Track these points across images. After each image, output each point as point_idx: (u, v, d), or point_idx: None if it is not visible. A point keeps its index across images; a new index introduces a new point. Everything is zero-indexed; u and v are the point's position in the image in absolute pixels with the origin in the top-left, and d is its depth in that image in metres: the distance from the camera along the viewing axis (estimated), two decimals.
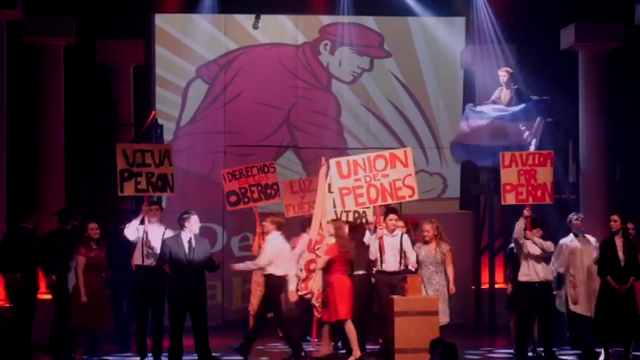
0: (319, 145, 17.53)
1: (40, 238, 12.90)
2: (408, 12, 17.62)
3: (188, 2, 17.63)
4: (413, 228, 13.67)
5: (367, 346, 13.14)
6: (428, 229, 12.68)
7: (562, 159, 15.84)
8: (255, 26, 17.78)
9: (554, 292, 13.09)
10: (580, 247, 13.07)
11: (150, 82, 17.70)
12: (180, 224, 12.30)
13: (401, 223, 12.89)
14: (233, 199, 14.33)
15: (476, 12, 17.33)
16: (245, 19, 17.87)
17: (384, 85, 18.20)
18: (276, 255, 12.72)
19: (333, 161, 12.64)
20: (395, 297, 12.12)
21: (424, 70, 18.22)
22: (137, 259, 12.63)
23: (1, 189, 14.71)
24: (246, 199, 14.30)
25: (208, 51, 17.92)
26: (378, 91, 18.21)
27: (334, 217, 12.84)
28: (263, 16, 17.70)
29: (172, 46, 17.77)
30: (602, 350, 12.45)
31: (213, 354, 12.42)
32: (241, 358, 12.79)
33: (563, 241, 13.19)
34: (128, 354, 13.36)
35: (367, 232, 12.99)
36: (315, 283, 12.59)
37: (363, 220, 12.94)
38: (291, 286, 12.75)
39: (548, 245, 12.64)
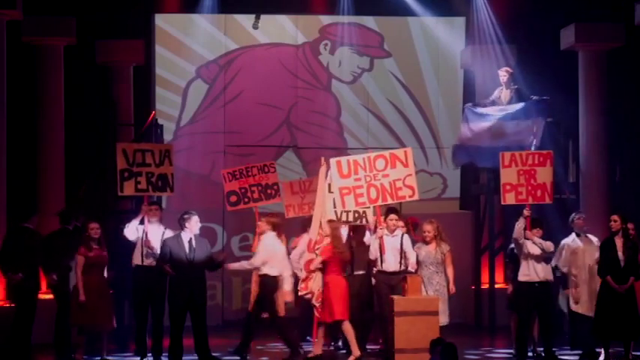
0: (319, 145, 17.52)
1: (41, 238, 12.90)
2: (408, 12, 17.62)
3: (188, 2, 17.63)
4: (413, 228, 13.68)
5: (367, 346, 13.13)
6: (429, 229, 12.68)
7: (562, 159, 15.83)
8: (255, 26, 17.78)
9: (564, 291, 13.05)
10: (582, 247, 13.06)
11: (150, 82, 17.70)
12: (180, 224, 12.31)
13: (401, 223, 12.89)
14: (233, 199, 14.32)
15: (476, 12, 17.33)
16: (245, 19, 17.88)
17: (384, 85, 18.20)
18: (271, 255, 12.74)
19: (333, 161, 12.64)
20: (395, 297, 12.11)
21: (424, 70, 18.23)
22: (136, 259, 12.64)
23: (1, 189, 14.71)
24: (246, 199, 14.30)
25: (208, 51, 17.93)
26: (378, 91, 18.21)
27: (333, 217, 12.83)
28: (263, 16, 17.70)
29: (172, 46, 17.77)
30: (602, 350, 12.46)
31: (213, 354, 12.42)
32: (239, 358, 12.83)
33: (565, 241, 13.18)
34: (128, 354, 13.36)
35: (367, 232, 12.99)
36: (315, 283, 12.58)
37: (363, 220, 12.93)
38: (286, 287, 12.77)
39: (548, 245, 12.63)
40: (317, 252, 12.66)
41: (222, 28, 17.94)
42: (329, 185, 12.89)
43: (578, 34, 16.34)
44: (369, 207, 12.81)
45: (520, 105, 15.54)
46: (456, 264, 12.93)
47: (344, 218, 12.85)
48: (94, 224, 12.52)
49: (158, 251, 12.45)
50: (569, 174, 16.36)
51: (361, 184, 12.47)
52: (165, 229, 12.80)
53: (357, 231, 12.99)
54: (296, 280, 13.21)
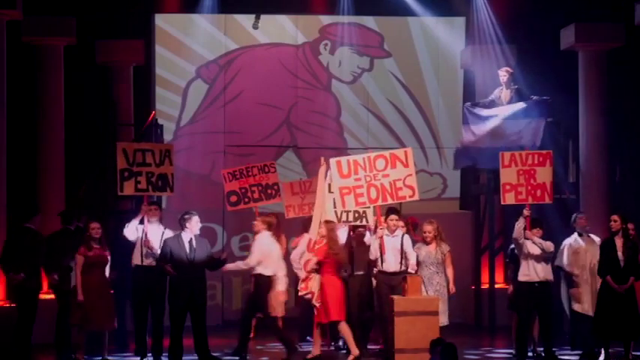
0: (319, 145, 17.53)
1: (43, 238, 12.91)
2: (408, 12, 17.62)
3: (188, 2, 17.64)
4: (413, 228, 13.68)
5: (367, 346, 13.13)
6: (429, 229, 12.68)
7: (562, 159, 15.83)
8: (255, 26, 17.78)
9: (571, 290, 13.04)
10: (584, 247, 13.04)
11: (150, 82, 17.71)
12: (181, 224, 12.31)
13: (401, 223, 12.89)
14: (233, 199, 14.33)
15: (476, 12, 17.33)
16: (245, 19, 17.88)
17: (384, 85, 18.21)
18: (266, 255, 12.76)
19: (333, 161, 12.63)
20: (395, 297, 12.11)
21: (424, 70, 18.23)
22: (136, 259, 12.64)
23: (1, 189, 14.71)
24: (246, 199, 14.30)
25: (208, 51, 17.93)
26: (378, 91, 18.22)
27: (333, 217, 12.82)
28: (263, 16, 17.71)
29: (172, 46, 17.77)
30: (602, 350, 12.45)
31: (213, 354, 12.43)
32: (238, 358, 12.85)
33: (567, 240, 13.17)
34: (128, 354, 13.35)
35: (367, 233, 12.98)
36: (316, 283, 12.57)
37: (364, 220, 12.93)
38: (280, 287, 12.77)
39: (548, 245, 12.63)
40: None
41: (222, 28, 17.94)
42: (329, 185, 12.89)
43: (578, 34, 16.34)
44: (369, 207, 12.81)
45: (520, 105, 15.53)
46: (456, 264, 12.93)
47: (344, 218, 12.85)
48: (94, 224, 12.52)
49: (157, 251, 12.45)
50: (569, 174, 16.35)
51: (361, 184, 12.46)
52: (164, 229, 12.81)
53: (356, 234, 12.99)
54: (296, 280, 13.23)
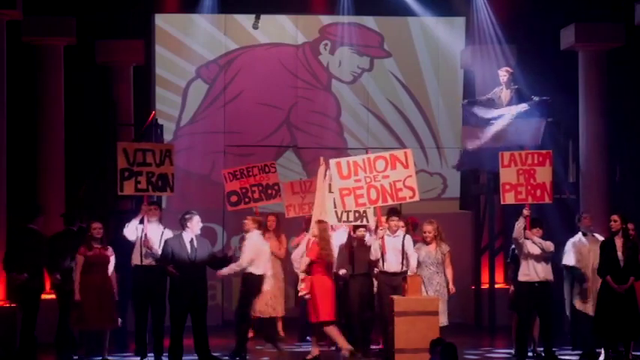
0: (319, 145, 17.53)
1: (45, 239, 12.91)
2: (408, 12, 17.62)
3: (188, 2, 17.64)
4: (412, 228, 13.68)
5: (370, 347, 13.11)
6: (429, 230, 12.68)
7: (562, 159, 15.83)
8: (255, 26, 17.79)
9: (584, 286, 13.02)
10: (588, 247, 13.04)
11: (150, 82, 17.71)
12: (182, 224, 12.29)
13: (402, 224, 12.88)
14: (234, 199, 14.34)
15: (476, 12, 17.33)
16: (245, 19, 17.89)
17: (384, 85, 18.21)
18: (257, 254, 12.79)
19: (333, 162, 12.61)
20: (395, 297, 12.10)
21: (424, 70, 18.24)
22: (136, 259, 12.64)
23: (1, 189, 14.71)
24: (247, 199, 14.32)
25: (208, 51, 17.94)
26: (378, 91, 18.22)
27: (334, 217, 12.82)
28: (263, 16, 17.71)
29: (172, 46, 17.78)
30: (602, 350, 12.45)
31: (213, 354, 12.42)
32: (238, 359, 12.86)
33: (571, 240, 13.16)
34: (128, 354, 13.35)
35: (367, 233, 12.96)
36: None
37: (364, 220, 12.93)
38: (266, 286, 12.91)
39: (548, 245, 12.62)
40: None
41: (222, 28, 17.95)
42: (329, 185, 12.89)
43: (578, 34, 16.33)
44: (369, 207, 12.80)
45: (522, 107, 15.50)
46: (455, 264, 12.94)
47: (344, 218, 12.84)
48: (96, 224, 12.52)
49: (157, 251, 12.45)
50: (569, 174, 16.35)
51: (361, 185, 12.43)
52: (164, 228, 12.80)
53: (357, 236, 13.00)
54: (296, 280, 13.24)
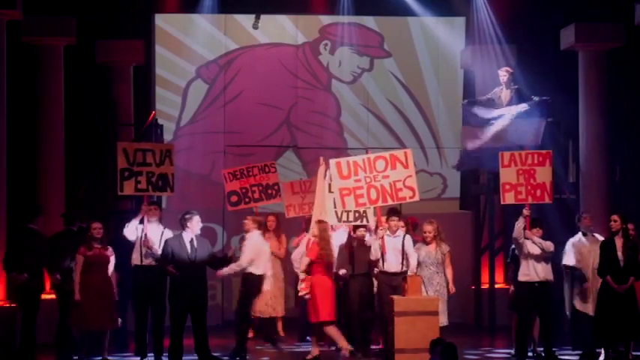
0: (319, 145, 17.53)
1: (46, 239, 12.91)
2: (408, 12, 17.62)
3: (188, 2, 17.64)
4: (412, 228, 13.68)
5: (370, 347, 13.11)
6: (429, 229, 12.68)
7: (562, 159, 15.83)
8: (255, 26, 17.79)
9: (584, 286, 13.01)
10: (588, 247, 13.04)
11: (150, 82, 17.71)
12: (182, 224, 12.30)
13: (402, 224, 12.89)
14: (234, 199, 14.35)
15: (476, 12, 17.34)
16: (245, 19, 17.89)
17: (384, 85, 18.21)
18: (258, 254, 12.79)
19: (333, 162, 12.61)
20: (395, 297, 12.11)
21: (424, 70, 18.24)
22: (136, 259, 12.64)
23: (1, 189, 14.70)
24: (247, 199, 14.33)
25: (208, 51, 17.94)
26: (378, 91, 18.22)
27: (334, 217, 12.82)
28: (263, 16, 17.71)
29: (172, 46, 17.78)
30: (602, 350, 12.45)
31: (213, 354, 12.42)
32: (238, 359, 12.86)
33: (571, 240, 13.16)
34: (128, 354, 13.35)
35: (367, 233, 12.97)
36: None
37: (364, 220, 12.93)
38: (266, 286, 12.88)
39: (548, 245, 12.62)
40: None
41: (222, 28, 17.95)
42: (329, 185, 12.89)
43: (578, 34, 16.33)
44: (369, 207, 12.80)
45: (523, 107, 15.50)
46: (455, 264, 12.94)
47: (344, 218, 12.84)
48: (96, 224, 12.52)
49: (157, 251, 12.45)
50: (569, 174, 16.35)
51: (361, 185, 12.43)
52: (164, 228, 12.80)
53: (357, 236, 13.00)
54: (296, 280, 13.24)
